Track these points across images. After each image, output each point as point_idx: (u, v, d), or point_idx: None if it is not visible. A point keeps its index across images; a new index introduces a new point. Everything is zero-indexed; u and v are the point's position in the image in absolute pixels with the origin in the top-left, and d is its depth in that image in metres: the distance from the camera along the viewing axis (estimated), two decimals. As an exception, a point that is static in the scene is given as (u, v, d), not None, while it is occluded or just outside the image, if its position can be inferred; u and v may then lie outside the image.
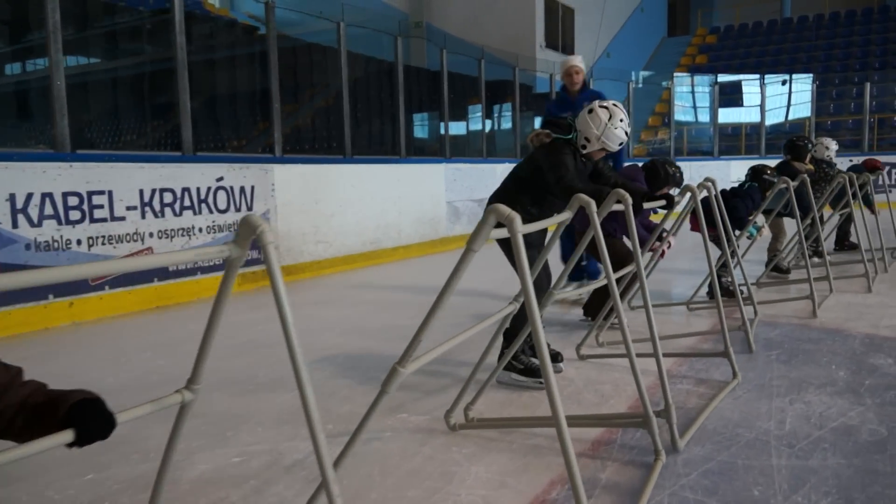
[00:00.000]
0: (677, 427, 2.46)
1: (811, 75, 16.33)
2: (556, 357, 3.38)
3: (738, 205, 5.00)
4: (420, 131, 12.71)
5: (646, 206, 3.00)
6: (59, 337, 4.33)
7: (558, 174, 2.98)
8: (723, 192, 5.17)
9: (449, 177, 8.68)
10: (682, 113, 16.95)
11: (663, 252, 4.20)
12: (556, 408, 1.65)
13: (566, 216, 2.29)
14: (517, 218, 1.62)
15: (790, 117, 17.40)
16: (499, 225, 1.66)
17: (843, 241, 7.61)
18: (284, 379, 3.35)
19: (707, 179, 4.44)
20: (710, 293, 5.10)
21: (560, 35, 18.26)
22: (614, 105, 3.12)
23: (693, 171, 13.13)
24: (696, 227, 4.72)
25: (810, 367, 3.39)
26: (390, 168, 7.87)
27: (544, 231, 3.16)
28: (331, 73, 8.15)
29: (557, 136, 3.12)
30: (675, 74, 16.11)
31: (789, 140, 6.27)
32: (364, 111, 10.91)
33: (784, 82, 17.34)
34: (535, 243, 3.16)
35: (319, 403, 3.16)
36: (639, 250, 2.65)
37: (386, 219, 7.70)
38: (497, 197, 3.24)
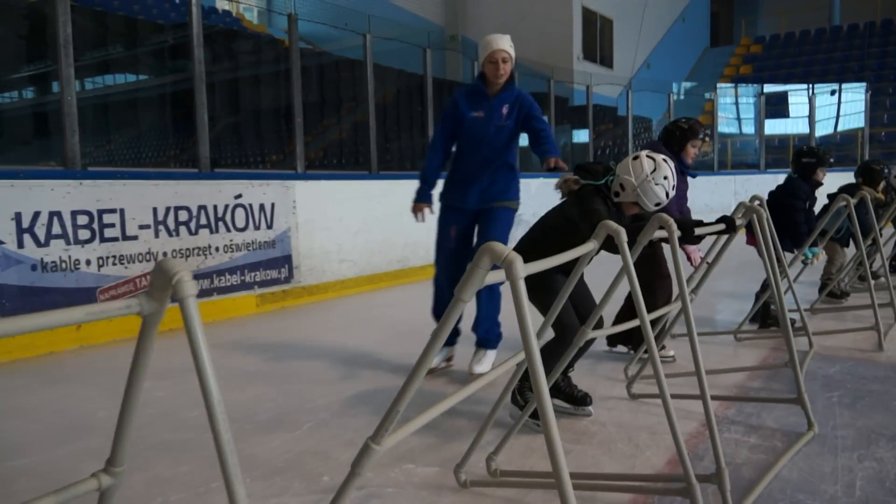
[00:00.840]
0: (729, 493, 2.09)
1: (864, 84, 15.56)
2: (584, 400, 3.03)
3: (798, 218, 4.56)
4: None
5: (699, 231, 2.64)
6: (62, 361, 4.14)
7: (591, 221, 2.55)
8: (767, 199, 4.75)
9: (480, 192, 8.36)
10: (725, 125, 16.36)
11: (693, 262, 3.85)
12: (559, 471, 1.31)
13: (591, 247, 1.96)
14: (517, 260, 1.31)
15: (841, 128, 16.64)
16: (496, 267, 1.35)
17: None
18: (287, 417, 3.08)
19: (755, 198, 4.08)
20: (763, 321, 4.67)
21: (598, 46, 17.88)
22: (664, 160, 2.73)
23: (738, 185, 12.56)
24: (752, 240, 4.32)
25: (880, 414, 2.97)
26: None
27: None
28: (361, 87, 7.96)
29: (587, 182, 2.78)
30: (718, 85, 15.51)
31: (865, 163, 5.74)
32: (393, 126, 10.73)
33: (833, 92, 16.60)
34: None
35: (319, 446, 2.92)
36: (682, 276, 2.30)
37: (414, 236, 7.41)
38: (523, 247, 2.89)
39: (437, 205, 3.89)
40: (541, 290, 2.78)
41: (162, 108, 9.54)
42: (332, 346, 4.51)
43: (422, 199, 3.82)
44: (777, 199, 4.68)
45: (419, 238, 7.46)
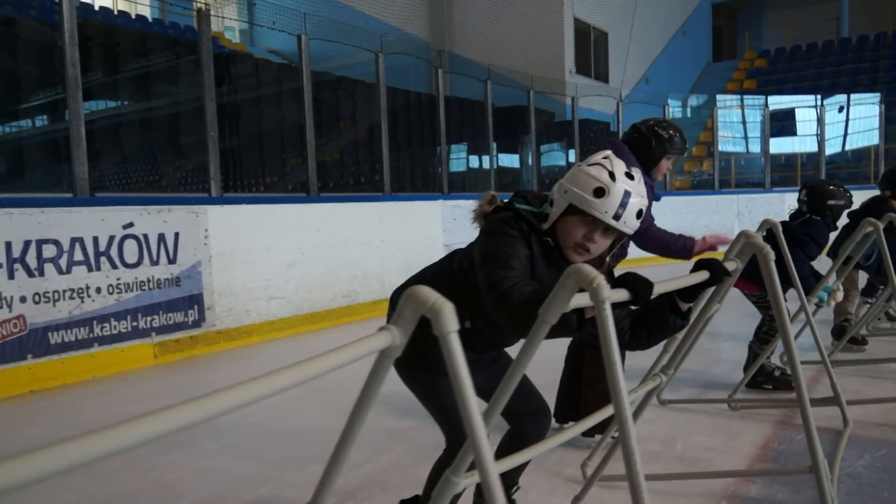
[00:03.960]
0: None
1: (878, 94, 14.57)
2: None
3: (798, 260, 3.56)
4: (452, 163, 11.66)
5: (663, 289, 1.58)
6: None
7: (490, 275, 1.61)
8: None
9: (447, 216, 7.42)
10: (730, 142, 15.41)
11: None
12: None
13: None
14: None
15: (852, 145, 15.64)
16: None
17: None
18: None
19: (765, 224, 3.13)
20: (753, 378, 3.66)
21: (593, 60, 17.02)
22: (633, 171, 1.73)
23: (741, 205, 11.58)
24: (747, 284, 3.35)
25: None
26: (369, 207, 6.66)
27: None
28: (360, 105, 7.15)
29: (506, 206, 1.76)
30: (718, 96, 14.58)
31: (891, 171, 4.76)
32: (350, 145, 9.93)
33: (841, 108, 15.63)
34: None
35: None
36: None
37: (364, 267, 6.47)
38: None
39: None
40: (432, 389, 1.84)
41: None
42: (234, 418, 3.54)
43: None
44: (787, 237, 3.68)
45: (370, 269, 6.52)
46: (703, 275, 1.67)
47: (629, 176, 1.67)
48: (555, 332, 1.42)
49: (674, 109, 16.87)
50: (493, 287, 1.58)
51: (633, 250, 2.89)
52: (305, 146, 6.11)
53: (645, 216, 2.74)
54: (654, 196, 2.88)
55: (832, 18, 22.77)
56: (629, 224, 1.66)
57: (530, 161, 10.19)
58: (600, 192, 1.63)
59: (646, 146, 2.89)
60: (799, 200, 3.86)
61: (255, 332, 5.41)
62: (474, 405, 0.95)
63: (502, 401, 1.35)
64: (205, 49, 5.25)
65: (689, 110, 17.28)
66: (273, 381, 0.73)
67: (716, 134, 12.34)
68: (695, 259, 1.86)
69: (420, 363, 1.80)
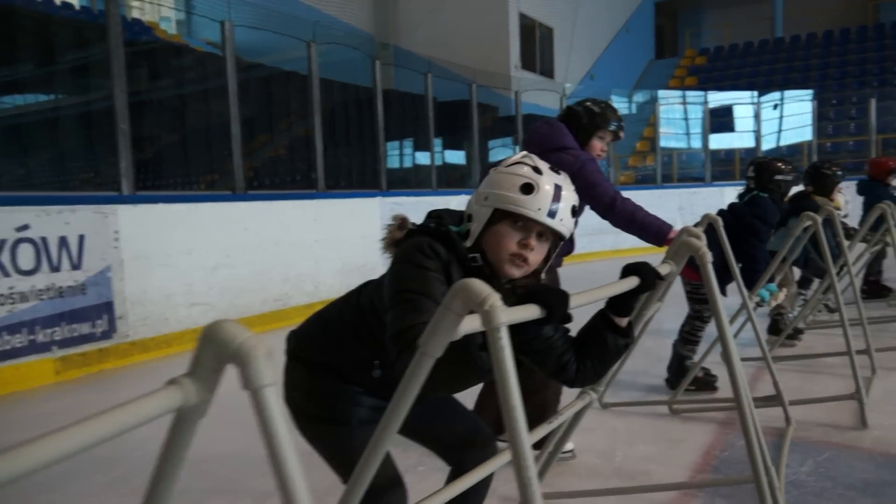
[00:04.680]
0: None
1: (810, 91, 14.96)
2: None
3: (758, 252, 3.43)
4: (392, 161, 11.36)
5: (583, 301, 1.32)
6: None
7: (396, 321, 1.31)
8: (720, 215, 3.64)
9: (386, 214, 7.14)
10: (673, 138, 15.57)
11: None
12: None
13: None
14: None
15: (787, 141, 16.02)
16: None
17: (876, 284, 6.03)
18: None
19: (706, 218, 2.98)
20: (675, 379, 3.53)
21: (538, 56, 16.96)
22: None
23: (683, 199, 11.66)
24: (689, 272, 3.18)
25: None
26: (303, 205, 6.33)
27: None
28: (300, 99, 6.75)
29: (420, 229, 1.47)
30: (661, 92, 14.70)
31: (813, 166, 4.71)
32: (300, 140, 9.55)
33: (775, 106, 15.99)
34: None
35: None
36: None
37: (297, 268, 6.13)
38: (303, 340, 1.62)
39: None
40: (337, 444, 1.54)
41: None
42: (132, 445, 3.18)
43: None
44: (736, 222, 3.54)
45: (304, 270, 6.19)
46: (632, 281, 1.45)
47: (554, 170, 1.46)
48: (457, 369, 1.17)
49: (619, 105, 16.97)
50: (397, 337, 1.26)
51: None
52: (230, 140, 5.74)
53: (603, 188, 2.51)
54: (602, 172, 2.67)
55: (767, 18, 23.37)
56: (566, 223, 1.42)
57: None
58: (528, 188, 1.39)
59: (578, 122, 2.70)
60: (746, 177, 3.77)
61: (174, 341, 5.02)
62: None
63: (363, 483, 1.09)
64: (113, 34, 4.83)
65: (634, 106, 17.39)
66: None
67: (657, 130, 12.41)
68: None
69: (316, 415, 1.53)
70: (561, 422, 1.62)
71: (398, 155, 11.78)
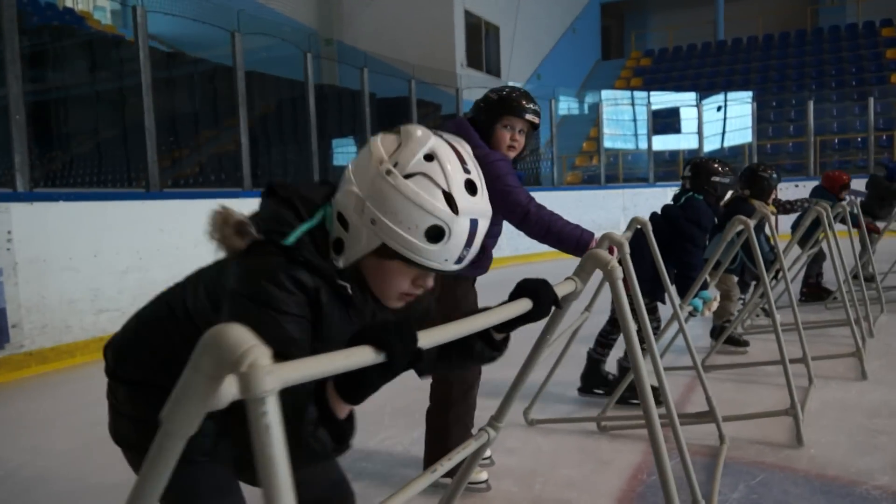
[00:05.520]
0: None
1: (750, 93, 15.23)
2: None
3: (693, 259, 3.27)
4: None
5: (476, 327, 1.08)
6: None
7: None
8: (653, 218, 3.48)
9: (320, 213, 6.82)
10: (620, 139, 15.64)
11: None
12: None
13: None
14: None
15: (730, 142, 16.30)
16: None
17: (816, 287, 6.04)
18: None
19: (635, 221, 2.79)
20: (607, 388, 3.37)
21: (484, 54, 16.80)
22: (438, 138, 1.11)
23: (627, 200, 11.65)
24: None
25: None
26: (226, 204, 5.94)
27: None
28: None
29: (268, 241, 1.11)
30: (606, 93, 14.72)
31: (749, 169, 4.59)
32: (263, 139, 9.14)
33: (719, 108, 16.25)
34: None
35: None
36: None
37: (220, 272, 5.76)
38: (119, 353, 1.30)
39: None
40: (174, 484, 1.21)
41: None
42: (78, 441, 2.86)
43: None
44: (669, 226, 3.38)
45: (227, 274, 5.80)
46: (523, 305, 1.21)
47: (469, 183, 1.07)
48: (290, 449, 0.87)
49: (570, 105, 16.99)
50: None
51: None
52: (145, 135, 5.33)
53: (515, 196, 2.19)
54: (516, 171, 2.30)
55: (710, 21, 23.80)
56: (473, 254, 1.10)
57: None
58: (437, 236, 1.04)
59: (479, 115, 2.33)
60: (682, 177, 3.61)
61: (78, 351, 4.61)
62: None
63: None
64: (7, 17, 4.39)
65: (585, 106, 17.39)
66: None
67: (601, 130, 12.40)
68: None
69: (147, 448, 1.23)
70: (462, 457, 1.38)
71: (343, 153, 11.47)
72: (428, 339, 0.90)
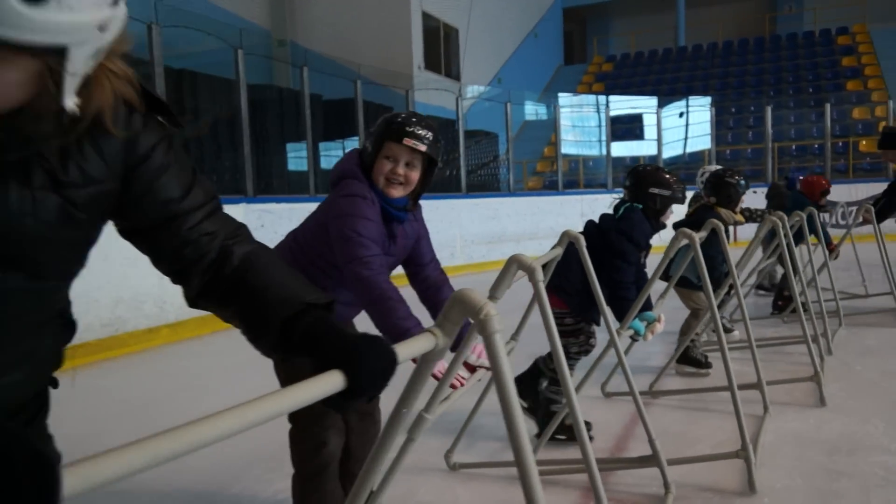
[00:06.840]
0: None
1: (709, 98, 15.16)
2: None
3: (625, 277, 2.89)
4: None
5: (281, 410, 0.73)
6: None
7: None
8: (588, 228, 3.13)
9: (253, 221, 6.34)
10: (584, 145, 15.43)
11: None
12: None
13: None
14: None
15: (691, 148, 16.22)
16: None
17: (789, 301, 5.76)
18: None
19: (566, 235, 2.42)
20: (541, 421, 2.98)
21: (442, 57, 16.45)
22: None
23: (585, 206, 11.37)
24: (553, 298, 2.60)
25: None
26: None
27: None
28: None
29: None
30: (560, 95, 14.50)
31: (715, 175, 4.17)
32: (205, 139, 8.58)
33: (681, 115, 16.17)
34: None
35: None
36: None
37: (135, 288, 5.25)
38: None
39: None
40: None
41: None
42: None
43: None
44: (601, 238, 2.99)
45: (145, 289, 5.32)
46: (333, 382, 0.81)
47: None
48: None
49: (532, 110, 16.74)
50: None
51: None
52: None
53: (351, 249, 1.73)
54: (398, 216, 1.85)
55: (671, 27, 23.89)
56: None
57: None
58: None
59: (366, 145, 1.89)
60: (623, 186, 3.21)
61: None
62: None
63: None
64: None
65: (547, 111, 17.15)
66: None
67: (559, 135, 12.13)
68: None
69: None
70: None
71: (296, 158, 10.98)
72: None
